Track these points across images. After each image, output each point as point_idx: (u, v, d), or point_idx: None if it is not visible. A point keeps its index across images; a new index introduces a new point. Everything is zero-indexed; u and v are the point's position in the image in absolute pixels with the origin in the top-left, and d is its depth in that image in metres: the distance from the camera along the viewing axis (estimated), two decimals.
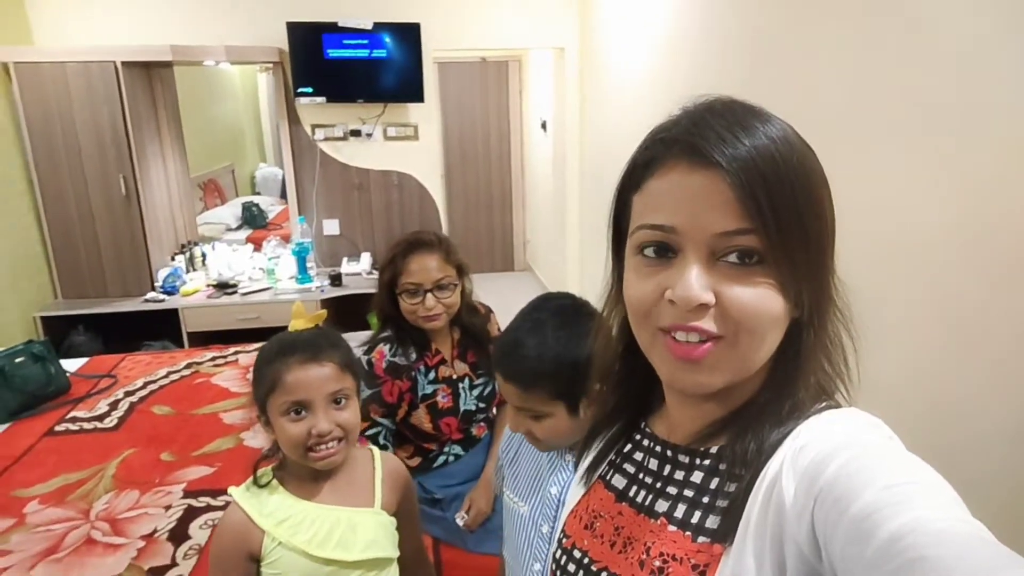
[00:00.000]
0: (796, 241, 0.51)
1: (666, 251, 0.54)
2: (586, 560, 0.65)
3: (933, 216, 1.41)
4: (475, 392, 1.82)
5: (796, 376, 0.56)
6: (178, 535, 2.00)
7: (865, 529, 0.40)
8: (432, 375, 1.76)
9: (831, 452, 0.47)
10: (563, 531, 0.71)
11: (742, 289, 0.52)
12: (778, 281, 0.52)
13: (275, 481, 1.12)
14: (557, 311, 1.04)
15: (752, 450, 0.54)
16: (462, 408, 1.79)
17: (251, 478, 1.13)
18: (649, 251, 0.55)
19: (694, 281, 0.51)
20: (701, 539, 0.56)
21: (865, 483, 0.43)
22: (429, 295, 1.66)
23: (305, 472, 1.11)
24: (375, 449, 1.24)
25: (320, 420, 1.04)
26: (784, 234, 0.50)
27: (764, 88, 1.98)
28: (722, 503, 0.55)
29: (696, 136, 0.52)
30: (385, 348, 1.70)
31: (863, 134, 1.60)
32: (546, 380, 0.99)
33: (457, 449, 1.85)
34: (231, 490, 1.12)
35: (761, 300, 0.52)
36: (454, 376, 1.79)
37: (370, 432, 1.68)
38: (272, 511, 1.08)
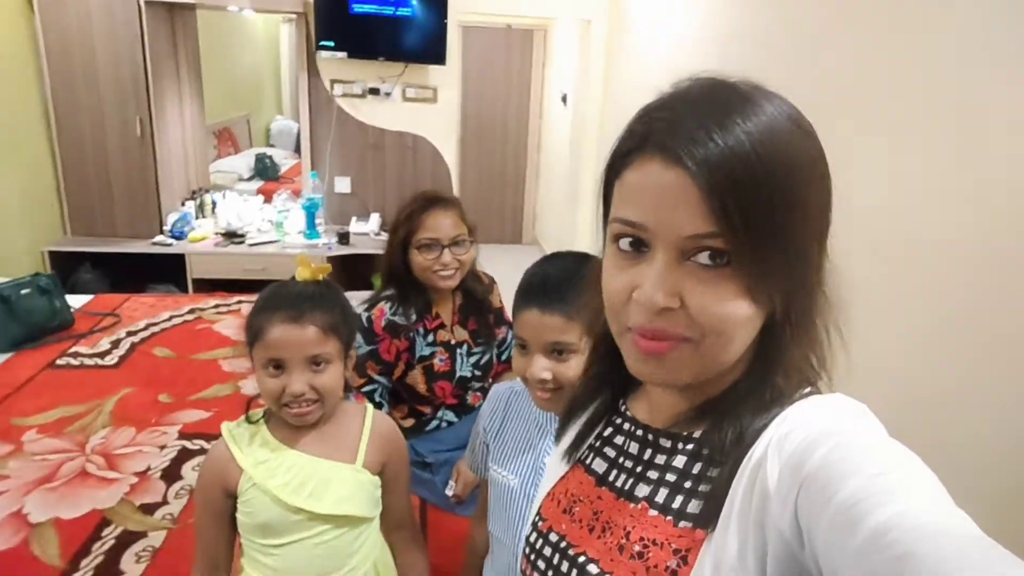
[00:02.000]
0: (769, 243, 0.50)
1: (640, 245, 0.54)
2: (563, 544, 0.65)
3: (930, 212, 1.41)
4: (472, 359, 1.83)
5: (778, 366, 0.55)
6: (171, 474, 2.04)
7: (850, 519, 0.40)
8: (431, 338, 1.76)
9: (816, 439, 0.47)
10: (539, 514, 0.70)
11: (709, 292, 0.51)
12: (746, 284, 0.51)
13: (263, 422, 1.14)
14: (579, 255, 1.05)
15: (733, 437, 0.54)
16: (458, 373, 1.80)
17: (244, 415, 1.15)
18: (624, 243, 0.54)
19: (657, 285, 0.51)
20: (683, 524, 0.55)
21: (850, 472, 0.42)
22: (446, 251, 1.67)
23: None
24: (370, 408, 1.23)
25: (294, 381, 1.05)
26: (754, 237, 0.49)
27: (793, 70, 1.95)
28: (704, 488, 0.55)
29: (668, 132, 0.51)
30: (386, 306, 1.71)
31: (876, 125, 1.58)
32: (586, 311, 1.00)
33: (450, 415, 1.86)
34: (223, 425, 1.15)
35: (727, 304, 0.51)
36: (452, 341, 1.80)
37: (366, 389, 1.70)
38: (253, 451, 1.10)
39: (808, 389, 0.55)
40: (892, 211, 1.53)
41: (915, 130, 1.47)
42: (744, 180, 0.48)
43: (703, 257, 0.51)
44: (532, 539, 0.69)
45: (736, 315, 0.51)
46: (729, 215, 0.48)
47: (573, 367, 1.01)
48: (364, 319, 1.69)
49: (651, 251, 0.52)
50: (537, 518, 0.70)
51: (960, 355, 1.36)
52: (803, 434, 0.48)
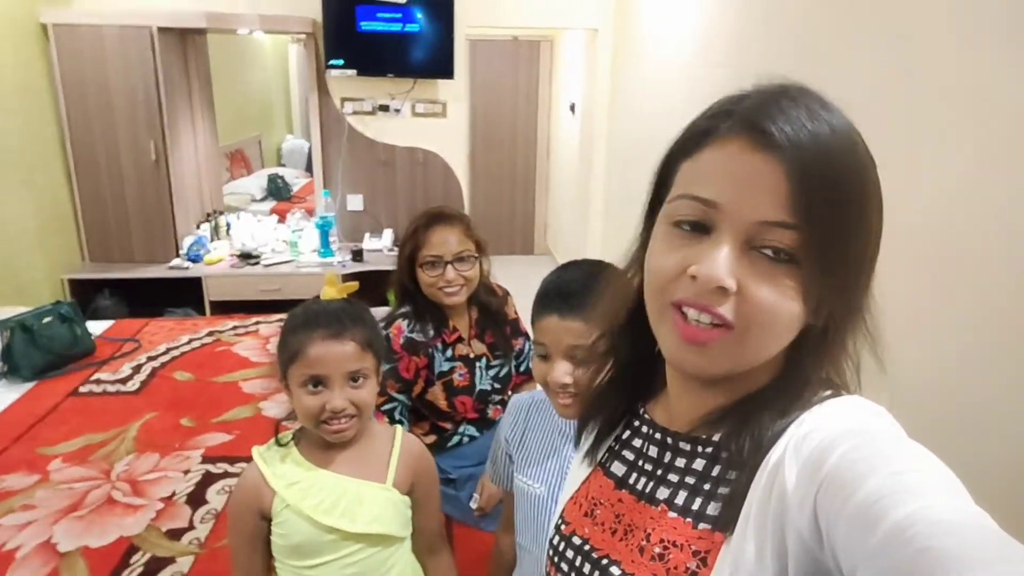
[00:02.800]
0: (835, 250, 0.49)
1: (701, 228, 0.52)
2: (587, 547, 0.65)
3: (957, 213, 1.39)
4: (491, 372, 1.82)
5: (804, 375, 0.55)
6: (196, 499, 2.04)
7: (869, 517, 0.40)
8: (449, 352, 1.76)
9: (834, 440, 0.46)
10: (562, 518, 0.71)
11: (766, 286, 0.50)
12: (804, 286, 0.50)
13: (293, 444, 1.15)
14: (595, 262, 1.07)
15: (754, 440, 0.53)
16: (478, 387, 1.79)
17: (273, 438, 1.15)
18: (685, 225, 0.53)
19: (722, 262, 0.49)
20: (702, 526, 0.55)
21: (869, 471, 0.42)
22: (449, 267, 1.66)
23: (320, 440, 1.12)
24: (399, 428, 1.24)
25: (335, 396, 1.06)
26: (825, 239, 0.48)
27: (808, 75, 1.94)
28: (723, 490, 0.55)
29: (764, 115, 0.49)
30: (403, 324, 1.71)
31: (896, 129, 1.56)
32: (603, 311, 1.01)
33: (472, 430, 1.85)
34: (254, 449, 1.15)
35: (781, 302, 0.50)
36: (471, 355, 1.79)
37: (386, 407, 1.69)
38: (284, 472, 1.11)
39: (828, 392, 0.55)
40: (925, 220, 1.51)
41: (946, 133, 1.45)
42: (830, 177, 0.48)
43: (768, 251, 0.50)
44: (555, 542, 0.69)
45: (787, 314, 0.51)
46: (810, 209, 0.47)
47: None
48: (386, 324, 1.70)
49: (714, 234, 0.51)
50: (560, 522, 0.71)
51: (997, 365, 1.33)
52: (821, 436, 0.48)
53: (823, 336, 0.54)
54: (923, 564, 0.36)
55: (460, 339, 1.79)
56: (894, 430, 0.49)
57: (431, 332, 1.73)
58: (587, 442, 0.73)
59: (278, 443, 1.15)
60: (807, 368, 0.54)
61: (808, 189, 0.48)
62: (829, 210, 0.48)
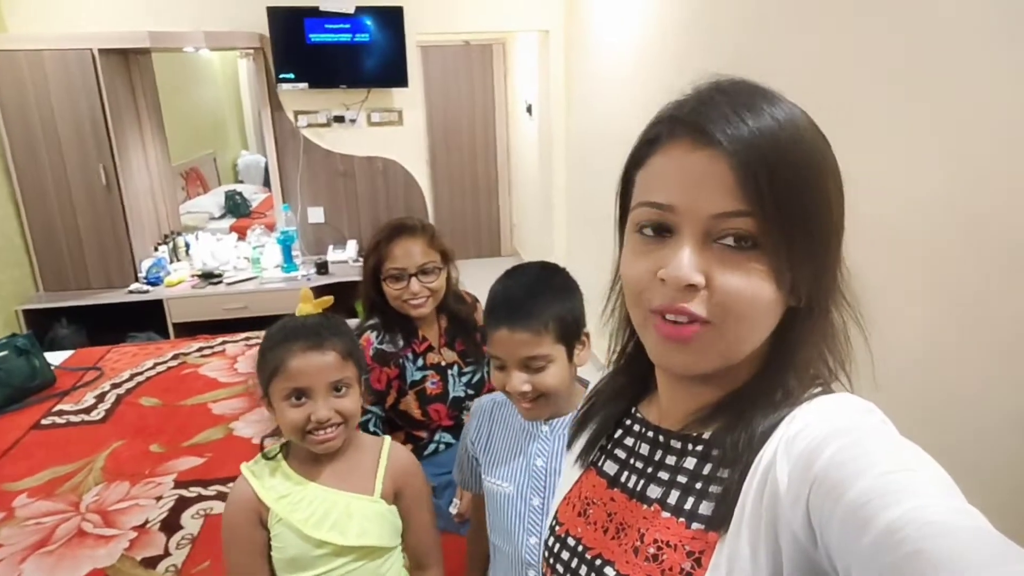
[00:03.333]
0: (795, 228, 0.50)
1: (663, 230, 0.54)
2: (580, 548, 0.65)
3: (936, 202, 1.40)
4: (464, 379, 1.83)
5: (791, 364, 0.55)
6: (170, 525, 2.01)
7: (861, 518, 0.40)
8: (420, 362, 1.76)
9: (825, 438, 0.47)
10: (555, 518, 0.71)
11: (733, 275, 0.51)
12: (772, 268, 0.51)
13: (280, 457, 1.15)
14: (538, 266, 1.12)
15: (745, 437, 0.54)
16: (451, 394, 1.79)
17: (260, 453, 1.16)
18: (647, 230, 0.55)
19: (685, 261, 0.51)
20: (695, 525, 0.56)
21: (861, 470, 0.43)
22: (414, 280, 1.66)
23: (308, 453, 1.13)
24: (388, 439, 1.24)
25: (319, 407, 1.07)
26: (782, 219, 0.49)
27: (755, 70, 1.98)
28: (715, 489, 0.55)
29: (700, 115, 0.51)
30: (372, 336, 1.70)
31: (860, 116, 1.60)
32: (554, 321, 1.06)
33: (448, 437, 1.85)
34: (242, 465, 1.16)
35: (752, 287, 0.51)
36: (443, 363, 1.79)
37: (360, 420, 1.69)
38: (274, 485, 1.12)
39: (818, 389, 0.55)
40: (881, 202, 1.54)
41: (918, 121, 1.45)
42: (774, 162, 0.49)
43: (728, 240, 0.51)
44: (550, 543, 0.69)
45: (760, 299, 0.51)
46: (760, 194, 0.49)
47: (550, 375, 1.07)
48: (358, 332, 1.69)
49: (675, 235, 0.53)
50: (554, 522, 0.71)
51: (980, 354, 1.34)
52: (811, 434, 0.48)
53: (808, 314, 0.54)
54: (915, 567, 0.36)
55: (430, 348, 1.79)
56: (884, 427, 0.49)
57: (400, 343, 1.73)
58: (579, 444, 0.73)
59: (266, 457, 1.16)
60: (795, 350, 0.55)
61: (754, 175, 0.49)
62: (778, 191, 0.49)
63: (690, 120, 0.52)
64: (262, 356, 1.11)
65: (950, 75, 1.35)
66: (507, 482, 1.16)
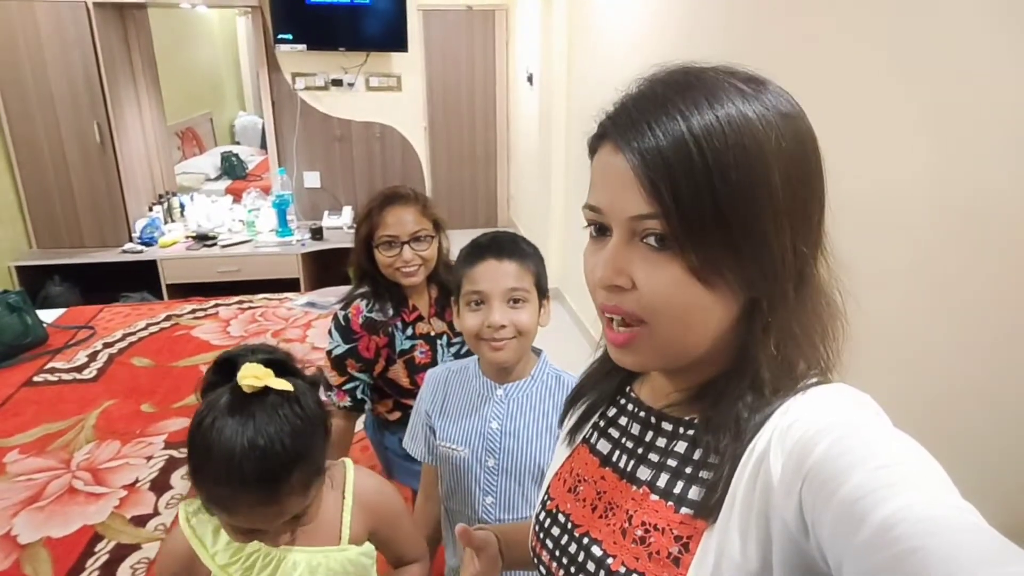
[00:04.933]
0: (710, 227, 0.50)
1: (604, 230, 0.56)
2: (569, 524, 0.66)
3: (926, 199, 1.39)
4: (453, 350, 1.83)
5: (751, 361, 0.55)
6: (160, 485, 2.03)
7: (855, 513, 0.39)
8: (410, 331, 1.77)
9: (819, 430, 0.46)
10: (547, 493, 0.71)
11: (654, 273, 0.52)
12: (691, 266, 0.51)
13: None
14: (508, 233, 1.19)
15: (732, 431, 0.53)
16: (439, 364, 1.80)
17: (198, 499, 0.90)
18: (592, 230, 0.57)
19: (602, 263, 0.54)
20: (684, 510, 0.56)
21: (854, 464, 0.42)
22: (406, 247, 1.66)
23: None
24: (349, 471, 1.04)
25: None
26: (692, 221, 0.50)
27: (761, 41, 1.95)
28: (705, 475, 0.55)
29: (618, 120, 0.54)
30: (362, 304, 1.70)
31: (857, 105, 1.59)
32: (533, 265, 1.14)
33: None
34: (181, 507, 0.96)
35: (672, 285, 0.51)
36: (432, 333, 1.80)
37: (348, 386, 1.70)
38: (220, 548, 0.93)
39: (814, 379, 0.55)
40: (872, 198, 1.53)
41: (910, 110, 1.44)
42: (678, 166, 0.49)
43: (651, 239, 0.52)
44: (541, 518, 0.70)
45: (682, 296, 0.51)
46: (662, 198, 0.50)
47: (527, 314, 1.13)
48: (341, 318, 1.69)
49: (608, 235, 0.55)
50: (546, 497, 0.71)
51: (972, 345, 1.33)
52: (805, 426, 0.48)
53: (759, 305, 0.54)
54: (909, 565, 0.36)
55: (420, 318, 1.80)
56: (879, 420, 0.48)
57: (390, 311, 1.73)
58: (570, 422, 0.73)
59: (208, 509, 0.89)
60: (754, 348, 0.54)
61: (655, 181, 0.50)
62: (683, 194, 0.49)
63: (612, 124, 0.54)
64: (191, 453, 0.86)
65: (937, 58, 1.34)
66: (462, 445, 1.19)
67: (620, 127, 0.53)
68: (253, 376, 0.83)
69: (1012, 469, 1.25)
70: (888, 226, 1.51)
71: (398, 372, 1.77)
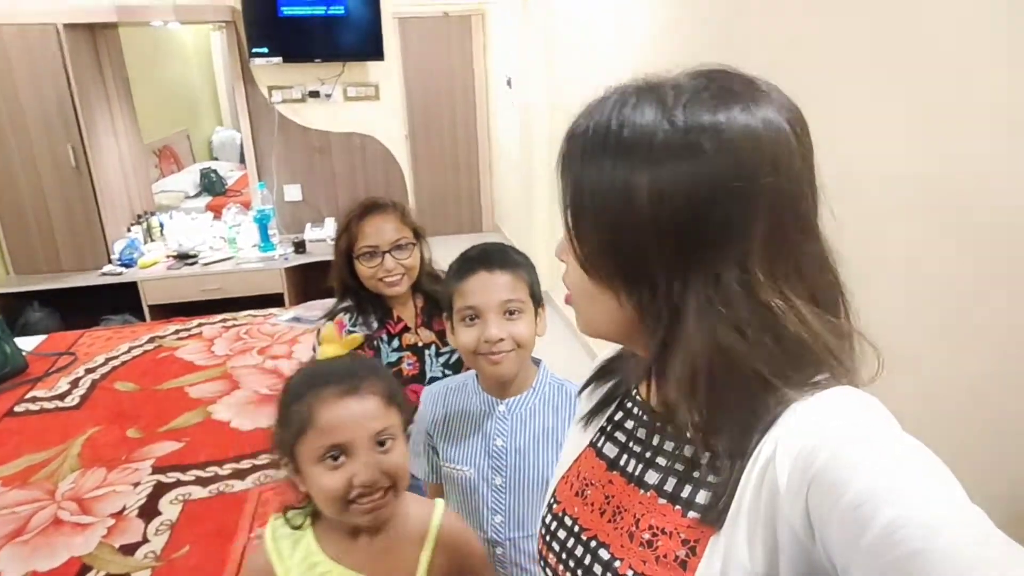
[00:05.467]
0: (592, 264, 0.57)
1: None
2: (576, 528, 0.65)
3: (917, 196, 1.39)
4: (441, 359, 1.81)
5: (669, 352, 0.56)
6: (148, 511, 1.99)
7: (861, 517, 0.40)
8: (396, 343, 1.74)
9: (825, 435, 0.46)
10: (554, 496, 0.71)
11: (569, 258, 0.61)
12: (578, 257, 0.58)
13: (309, 526, 0.94)
14: (497, 244, 1.17)
15: (737, 432, 0.52)
16: (428, 375, 1.78)
17: (282, 515, 0.96)
18: None
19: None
20: (691, 514, 0.56)
21: (859, 468, 0.42)
22: (388, 256, 1.64)
23: (341, 523, 0.92)
24: (437, 511, 1.00)
25: (362, 468, 0.85)
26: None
27: (739, 38, 1.95)
28: (712, 478, 0.55)
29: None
30: (345, 318, 1.67)
31: (845, 97, 1.58)
32: (526, 274, 1.12)
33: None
34: (269, 522, 0.97)
35: (573, 267, 0.60)
36: (419, 343, 1.77)
37: None
38: (296, 563, 0.92)
39: (824, 382, 0.53)
40: (869, 201, 1.51)
41: (913, 102, 1.43)
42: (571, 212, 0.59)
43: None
44: (548, 521, 0.70)
45: (575, 280, 0.61)
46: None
47: (524, 325, 1.10)
48: (324, 330, 1.66)
49: None
50: (552, 500, 0.71)
51: (966, 343, 1.32)
52: (811, 430, 0.48)
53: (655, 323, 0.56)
54: (915, 567, 0.36)
55: (406, 328, 1.77)
56: (886, 424, 0.48)
57: (375, 324, 1.71)
58: (591, 402, 0.72)
59: (290, 524, 0.94)
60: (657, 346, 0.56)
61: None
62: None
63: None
64: (283, 412, 0.90)
65: (928, 54, 1.34)
66: (467, 465, 1.16)
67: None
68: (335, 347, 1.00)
69: (1011, 469, 1.25)
70: (881, 222, 1.50)
71: None
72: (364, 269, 1.65)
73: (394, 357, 1.73)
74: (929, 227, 1.37)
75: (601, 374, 0.74)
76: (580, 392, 0.77)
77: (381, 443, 0.87)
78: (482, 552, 1.06)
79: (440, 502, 1.02)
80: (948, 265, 1.33)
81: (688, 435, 0.58)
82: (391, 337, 1.74)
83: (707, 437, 0.54)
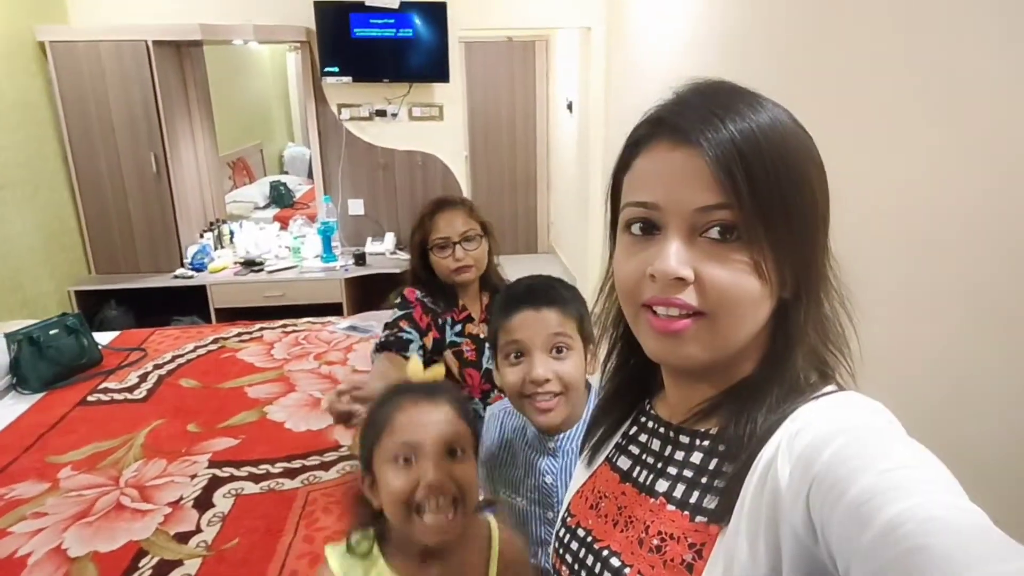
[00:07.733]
0: (776, 219, 0.51)
1: (651, 228, 0.56)
2: (589, 538, 0.66)
3: (946, 195, 1.38)
4: None
5: (788, 355, 0.56)
6: (203, 503, 2.07)
7: (862, 515, 0.40)
8: (459, 328, 1.83)
9: (827, 436, 0.47)
10: (568, 510, 0.73)
11: (720, 267, 0.53)
12: (756, 260, 0.52)
13: (376, 552, 0.92)
14: (543, 279, 1.11)
15: (749, 431, 0.54)
16: (484, 366, 1.83)
17: (345, 543, 0.93)
18: (635, 228, 0.57)
19: (672, 255, 0.53)
20: (699, 519, 0.56)
21: (862, 467, 0.42)
22: (458, 247, 1.76)
23: (412, 547, 0.89)
24: (494, 526, 0.99)
25: (430, 469, 0.84)
26: (761, 211, 0.51)
27: (797, 68, 1.95)
28: (720, 484, 0.56)
29: (677, 115, 0.54)
30: (416, 288, 1.80)
31: (880, 119, 1.57)
32: (575, 311, 1.05)
33: (479, 407, 1.88)
34: (328, 550, 0.93)
35: (737, 279, 0.53)
36: (480, 335, 1.84)
37: (403, 334, 1.71)
38: None
39: (829, 388, 0.55)
40: (905, 205, 1.52)
41: (921, 122, 1.46)
42: (749, 155, 0.51)
43: (714, 232, 0.53)
44: (561, 534, 0.71)
45: (746, 290, 0.53)
46: (737, 187, 0.50)
47: (572, 364, 1.03)
48: (397, 294, 1.80)
49: (663, 232, 0.55)
50: (566, 514, 0.72)
51: (984, 348, 1.32)
52: (813, 432, 0.48)
53: (798, 306, 0.55)
54: (914, 563, 0.36)
55: (470, 318, 1.85)
56: (889, 426, 0.49)
57: (441, 305, 1.82)
58: (589, 446, 0.74)
59: (356, 551, 0.91)
60: (795, 337, 0.55)
61: (730, 168, 0.51)
62: (755, 184, 0.51)
63: (669, 121, 0.54)
64: (367, 425, 0.92)
65: (942, 62, 1.33)
66: (520, 497, 1.15)
67: (686, 120, 0.53)
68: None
69: (1011, 471, 1.21)
70: (889, 231, 1.49)
71: (450, 360, 1.83)
72: (438, 260, 1.78)
73: (456, 339, 1.83)
74: (937, 236, 1.34)
75: (592, 427, 0.75)
76: (581, 451, 0.77)
77: (452, 452, 0.87)
78: (535, 566, 1.07)
79: (494, 520, 1.00)
80: (957, 275, 1.30)
81: (703, 443, 0.59)
82: (455, 322, 1.84)
83: (738, 440, 0.55)
